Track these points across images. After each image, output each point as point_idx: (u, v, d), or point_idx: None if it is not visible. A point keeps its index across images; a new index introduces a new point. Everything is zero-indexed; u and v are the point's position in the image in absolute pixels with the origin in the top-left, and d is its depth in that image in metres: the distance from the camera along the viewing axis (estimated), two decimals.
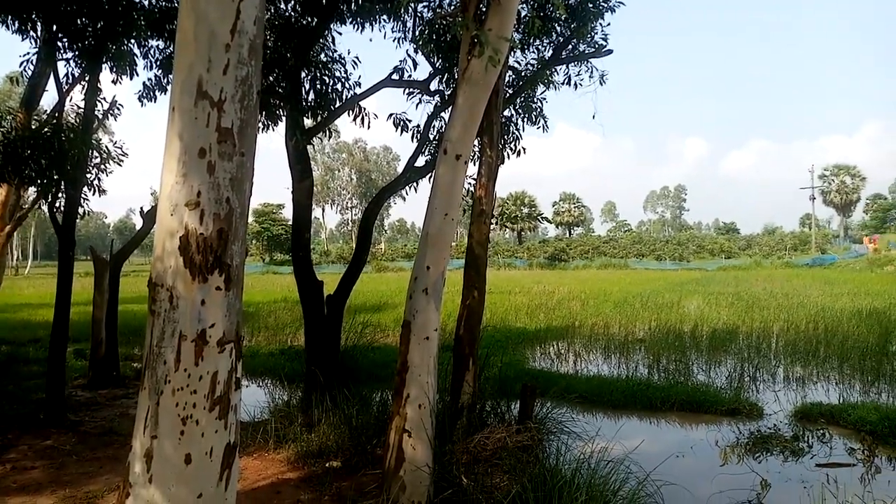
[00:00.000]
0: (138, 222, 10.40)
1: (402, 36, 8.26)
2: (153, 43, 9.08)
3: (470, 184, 8.48)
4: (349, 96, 8.67)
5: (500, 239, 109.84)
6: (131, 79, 9.56)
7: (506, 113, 8.68)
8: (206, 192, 3.08)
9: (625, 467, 5.15)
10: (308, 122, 8.80)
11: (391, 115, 8.79)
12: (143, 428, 3.09)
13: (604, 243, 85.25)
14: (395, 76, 8.33)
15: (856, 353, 12.18)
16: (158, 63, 9.08)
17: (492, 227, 10.59)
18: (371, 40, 12.24)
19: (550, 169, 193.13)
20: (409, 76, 8.37)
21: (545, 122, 8.90)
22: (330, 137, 9.70)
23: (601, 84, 8.75)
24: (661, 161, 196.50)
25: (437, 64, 8.31)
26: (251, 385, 11.61)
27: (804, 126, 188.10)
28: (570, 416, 8.33)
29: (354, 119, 8.65)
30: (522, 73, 8.92)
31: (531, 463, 5.65)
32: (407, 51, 8.22)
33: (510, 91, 8.66)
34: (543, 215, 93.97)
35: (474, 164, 7.87)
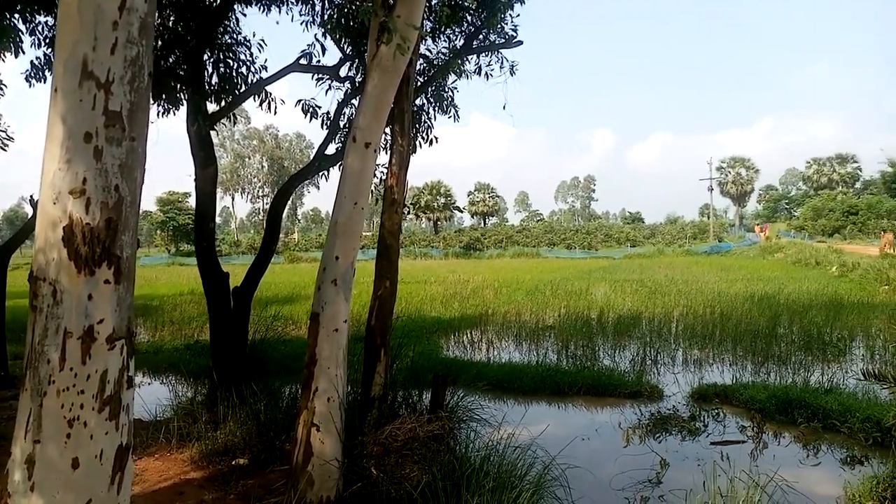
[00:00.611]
0: (31, 211, 9.69)
1: (311, 20, 8.04)
2: (40, 19, 8.44)
3: (382, 172, 8.41)
4: (255, 80, 8.38)
5: (416, 228, 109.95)
6: (16, 57, 8.87)
7: (417, 102, 8.64)
8: (93, 180, 2.89)
9: (532, 452, 5.26)
10: (212, 107, 8.45)
11: (300, 101, 8.56)
12: (24, 432, 2.87)
13: (517, 233, 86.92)
14: (303, 61, 8.09)
15: (748, 335, 12.95)
16: (47, 41, 8.45)
17: (407, 216, 10.57)
18: (278, 23, 11.90)
19: (466, 159, 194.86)
20: (318, 61, 8.15)
21: (456, 111, 8.93)
22: (235, 123, 9.35)
23: (511, 75, 8.85)
24: (572, 152, 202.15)
25: (347, 49, 8.14)
26: (154, 382, 11.14)
27: (705, 119, 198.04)
28: (481, 404, 8.44)
29: (261, 104, 8.36)
30: (434, 62, 8.89)
31: (442, 452, 5.69)
32: (315, 35, 8.02)
33: (422, 79, 8.62)
34: (456, 205, 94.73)
35: (386, 153, 7.80)
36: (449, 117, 8.93)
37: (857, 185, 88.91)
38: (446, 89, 8.80)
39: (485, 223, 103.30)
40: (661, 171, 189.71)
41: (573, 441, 7.15)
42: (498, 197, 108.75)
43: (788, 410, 8.15)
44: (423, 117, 8.78)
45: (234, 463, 6.20)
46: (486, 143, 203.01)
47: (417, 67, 8.25)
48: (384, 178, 7.51)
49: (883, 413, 7.07)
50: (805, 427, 7.73)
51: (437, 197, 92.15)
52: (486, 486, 4.49)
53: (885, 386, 6.77)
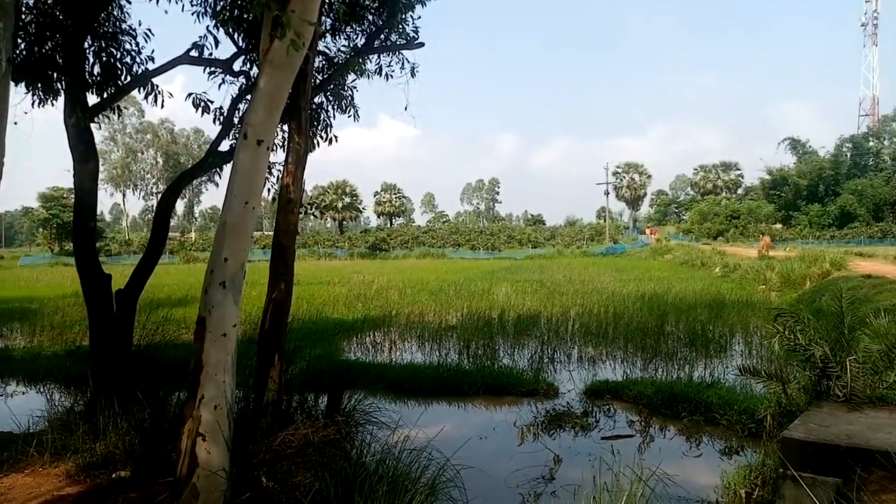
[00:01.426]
0: None
1: (203, 10, 7.68)
2: None
3: (279, 171, 8.17)
4: (140, 71, 7.92)
5: (321, 228, 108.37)
6: None
7: (316, 99, 8.46)
8: None
9: (428, 454, 5.26)
10: (93, 99, 7.91)
11: (190, 94, 8.17)
12: None
13: (423, 233, 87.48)
14: (194, 53, 7.72)
15: (638, 333, 13.52)
16: None
17: (307, 215, 10.32)
18: (167, 12, 11.21)
19: (374, 160, 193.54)
20: (211, 54, 7.81)
21: (356, 110, 8.80)
22: (120, 115, 8.77)
23: (413, 76, 8.84)
24: (477, 155, 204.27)
25: (241, 43, 7.84)
26: (29, 391, 10.36)
27: (603, 125, 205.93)
28: (382, 406, 8.38)
29: (146, 97, 7.91)
30: (334, 60, 8.74)
31: (337, 457, 5.58)
32: (208, 27, 7.67)
33: (321, 77, 8.46)
34: (356, 204, 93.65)
35: (283, 151, 7.59)
36: (349, 116, 8.80)
37: (740, 191, 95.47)
38: (346, 88, 8.67)
39: (391, 223, 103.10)
40: (562, 174, 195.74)
41: (472, 441, 7.24)
42: (405, 197, 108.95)
43: (674, 404, 8.55)
44: (321, 115, 8.60)
45: (114, 476, 5.83)
46: (395, 144, 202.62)
47: (316, 65, 8.09)
48: (280, 176, 7.30)
49: (758, 405, 7.56)
50: (688, 420, 8.15)
51: (342, 196, 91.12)
52: (380, 490, 4.44)
53: (759, 380, 7.28)
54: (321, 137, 8.61)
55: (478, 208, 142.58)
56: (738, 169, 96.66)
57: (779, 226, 72.26)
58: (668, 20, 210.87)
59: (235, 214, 5.01)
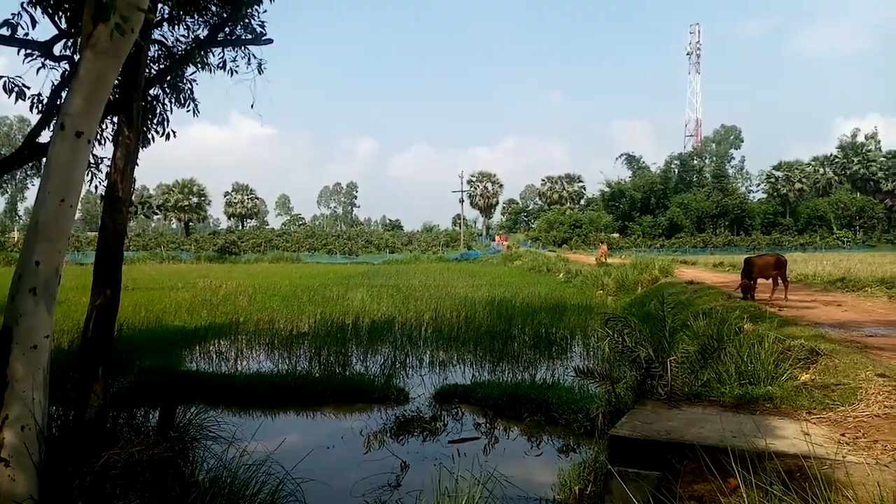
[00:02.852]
0: None
1: None
2: None
3: (108, 166, 7.51)
4: None
5: (165, 230, 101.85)
6: None
7: (152, 91, 7.87)
8: None
9: (268, 468, 5.02)
10: None
11: (0, 77, 7.24)
12: None
13: (277, 236, 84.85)
14: (4, 31, 6.85)
15: (487, 337, 13.89)
16: None
17: (144, 216, 9.59)
18: None
19: (225, 159, 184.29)
20: (27, 34, 6.99)
21: (196, 105, 8.25)
22: None
23: (259, 73, 8.47)
24: (336, 158, 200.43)
25: (63, 24, 7.10)
26: None
27: (458, 134, 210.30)
28: (223, 419, 7.89)
29: None
30: (174, 50, 8.18)
31: (169, 476, 5.18)
32: (22, 3, 6.86)
33: (157, 67, 7.89)
34: (204, 204, 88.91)
35: (112, 146, 6.96)
36: (188, 111, 8.26)
37: (582, 201, 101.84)
38: (185, 80, 8.12)
39: (243, 226, 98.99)
40: (421, 181, 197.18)
41: (318, 451, 7.07)
42: (258, 199, 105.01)
43: (517, 406, 8.83)
44: (157, 109, 8.00)
45: None
46: (249, 144, 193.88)
47: (152, 54, 7.56)
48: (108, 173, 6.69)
49: (592, 404, 7.99)
50: (530, 421, 8.46)
51: (189, 196, 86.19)
52: None
53: (592, 381, 7.71)
54: (156, 132, 8.01)
55: (335, 212, 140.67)
56: (581, 181, 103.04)
57: (616, 235, 78.00)
58: (522, 39, 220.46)
59: (50, 213, 4.53)
